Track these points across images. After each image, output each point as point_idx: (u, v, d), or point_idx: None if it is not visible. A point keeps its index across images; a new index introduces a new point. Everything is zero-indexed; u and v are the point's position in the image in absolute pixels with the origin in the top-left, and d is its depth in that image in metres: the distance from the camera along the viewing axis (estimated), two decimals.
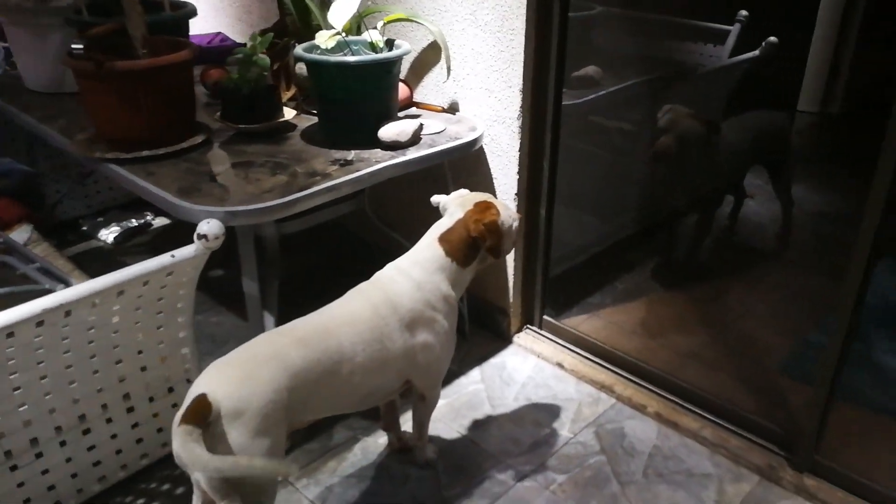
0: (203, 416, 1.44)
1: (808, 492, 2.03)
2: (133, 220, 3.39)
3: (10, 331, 1.56)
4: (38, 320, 1.60)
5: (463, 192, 1.95)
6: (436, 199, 1.95)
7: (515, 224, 1.95)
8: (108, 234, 3.29)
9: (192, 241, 1.77)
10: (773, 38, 3.27)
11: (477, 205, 1.88)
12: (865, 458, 2.10)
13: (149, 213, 3.46)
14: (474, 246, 1.86)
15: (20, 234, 2.48)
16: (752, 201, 3.52)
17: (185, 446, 1.39)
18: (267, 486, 1.56)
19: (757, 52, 3.30)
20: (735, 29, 3.38)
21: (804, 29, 4.28)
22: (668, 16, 3.53)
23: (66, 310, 1.62)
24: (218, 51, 2.91)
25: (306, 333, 1.66)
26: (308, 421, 1.71)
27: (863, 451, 2.15)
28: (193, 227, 1.75)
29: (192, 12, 2.61)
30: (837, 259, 3.14)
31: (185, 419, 1.42)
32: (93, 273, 1.87)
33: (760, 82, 3.35)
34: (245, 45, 2.92)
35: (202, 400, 1.47)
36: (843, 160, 4.09)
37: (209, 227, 1.73)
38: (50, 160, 3.22)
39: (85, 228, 3.35)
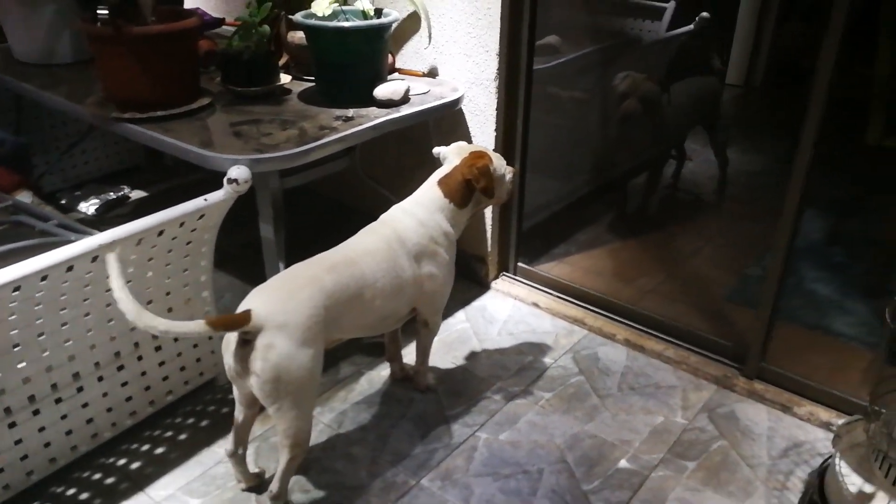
0: (241, 322, 1.66)
1: (758, 394, 2.36)
2: (111, 193, 3.49)
3: (69, 265, 1.73)
4: (94, 255, 1.76)
5: (461, 143, 2.19)
6: (437, 149, 2.18)
7: (509, 176, 2.20)
8: (88, 206, 3.39)
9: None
10: (705, 14, 3.62)
11: (472, 153, 2.13)
12: (803, 364, 2.43)
13: (125, 186, 3.57)
14: (469, 188, 2.10)
15: (23, 200, 2.59)
16: (690, 163, 3.87)
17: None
18: (309, 389, 1.77)
19: (691, 27, 3.64)
20: (670, 6, 3.72)
21: (733, 5, 4.68)
22: None
23: (117, 246, 1.79)
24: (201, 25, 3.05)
25: (335, 262, 1.88)
26: (337, 339, 1.93)
27: (801, 359, 2.48)
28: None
29: None
30: (765, 207, 3.54)
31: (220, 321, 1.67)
32: None
33: (696, 53, 3.70)
34: (223, 18, 3.10)
35: (245, 312, 1.68)
36: (766, 126, 4.53)
37: (239, 171, 1.92)
38: (34, 134, 3.31)
39: (64, 202, 3.44)
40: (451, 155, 2.15)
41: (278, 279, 1.83)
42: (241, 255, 2.97)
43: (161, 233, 1.91)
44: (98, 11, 2.07)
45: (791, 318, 2.71)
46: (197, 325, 1.63)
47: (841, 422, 2.10)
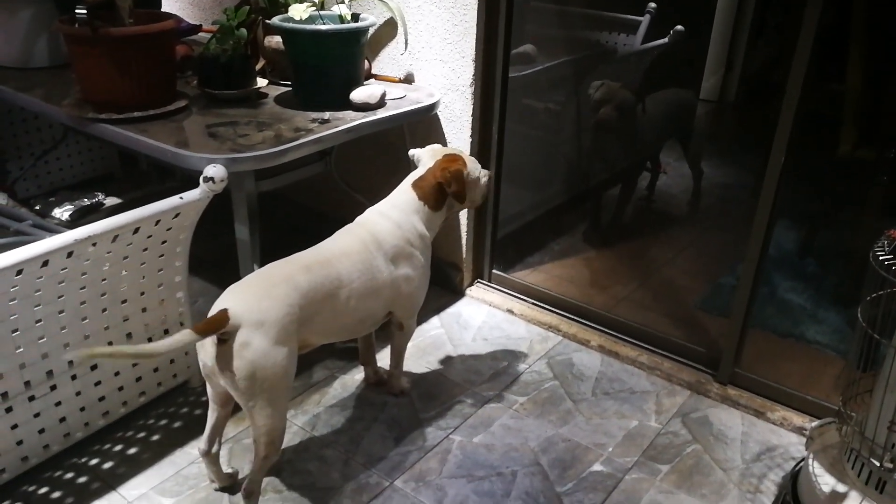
0: (222, 322, 1.66)
1: (731, 400, 2.38)
2: (85, 199, 3.47)
3: (44, 259, 1.72)
4: (69, 251, 1.75)
5: (436, 146, 2.21)
6: (412, 151, 2.20)
7: (484, 179, 2.22)
8: (63, 213, 3.37)
9: None
10: (679, 27, 3.67)
11: (446, 156, 2.15)
12: (776, 370, 2.46)
13: (99, 193, 3.55)
14: (442, 191, 2.11)
15: None
16: (665, 175, 3.92)
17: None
18: (284, 387, 1.76)
19: (666, 40, 3.69)
20: (645, 20, 3.77)
21: (708, 20, 4.75)
22: (587, 8, 3.90)
23: (93, 242, 1.78)
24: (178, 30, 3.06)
25: (310, 262, 1.88)
26: (313, 343, 1.92)
27: (774, 366, 2.51)
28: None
29: None
30: (738, 219, 3.58)
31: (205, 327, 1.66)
32: None
33: (672, 66, 3.75)
34: (199, 25, 3.11)
35: (223, 312, 1.67)
36: (740, 140, 4.61)
37: (216, 170, 1.93)
38: (7, 140, 3.28)
39: (38, 208, 3.41)
40: (426, 157, 2.16)
41: (253, 277, 1.83)
42: (215, 262, 2.97)
43: (137, 230, 1.90)
44: (76, 12, 2.06)
45: (764, 326, 2.75)
46: (186, 336, 1.63)
47: (814, 424, 2.12)
